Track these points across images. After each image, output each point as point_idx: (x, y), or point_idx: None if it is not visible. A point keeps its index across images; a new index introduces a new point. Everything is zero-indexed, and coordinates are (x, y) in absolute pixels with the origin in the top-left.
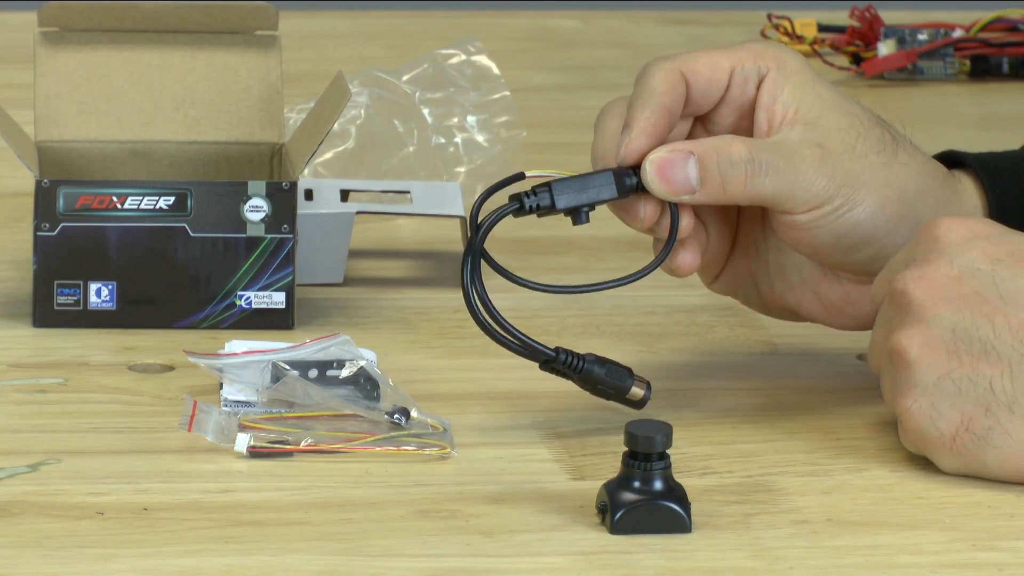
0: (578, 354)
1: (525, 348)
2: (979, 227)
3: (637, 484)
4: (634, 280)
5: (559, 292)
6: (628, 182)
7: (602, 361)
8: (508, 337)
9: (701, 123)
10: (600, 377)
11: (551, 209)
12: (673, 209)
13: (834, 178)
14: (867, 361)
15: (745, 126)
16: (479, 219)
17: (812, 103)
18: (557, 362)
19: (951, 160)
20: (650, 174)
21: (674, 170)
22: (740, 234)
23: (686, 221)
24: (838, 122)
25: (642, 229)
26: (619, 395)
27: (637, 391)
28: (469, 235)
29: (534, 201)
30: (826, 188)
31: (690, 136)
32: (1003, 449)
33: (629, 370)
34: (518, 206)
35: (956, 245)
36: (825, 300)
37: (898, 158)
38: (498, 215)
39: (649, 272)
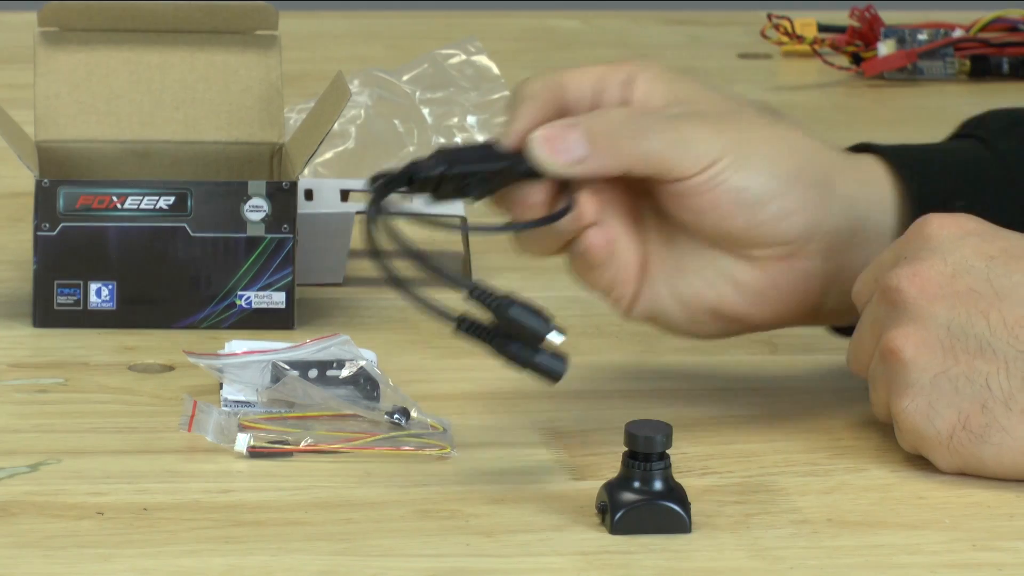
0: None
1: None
2: (970, 224)
3: (637, 484)
4: (531, 227)
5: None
6: (520, 167)
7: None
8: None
9: None
10: (517, 316)
11: (438, 179)
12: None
13: (721, 133)
14: (849, 363)
15: None
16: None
17: (683, 89)
18: (473, 296)
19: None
20: (537, 148)
21: (560, 141)
22: (648, 244)
23: (591, 207)
24: (715, 98)
25: (531, 215)
26: (534, 343)
27: (553, 342)
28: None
29: (424, 166)
30: (714, 143)
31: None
32: (1000, 446)
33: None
34: (408, 170)
35: (948, 242)
36: (746, 289)
37: (782, 121)
38: (388, 180)
39: (545, 223)
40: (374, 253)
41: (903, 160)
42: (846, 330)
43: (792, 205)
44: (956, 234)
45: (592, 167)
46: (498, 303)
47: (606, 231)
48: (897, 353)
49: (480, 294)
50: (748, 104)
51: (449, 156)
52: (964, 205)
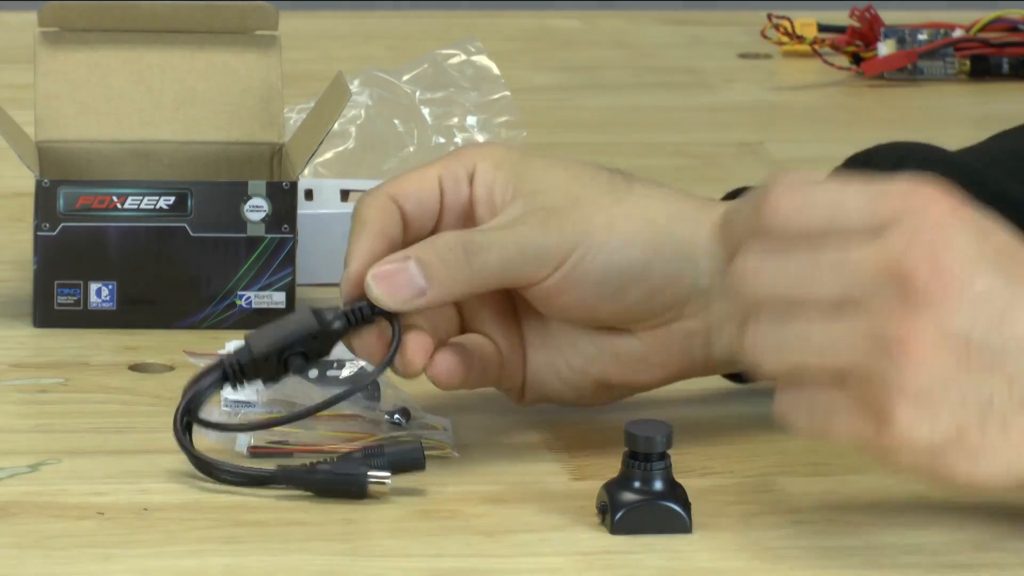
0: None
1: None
2: (960, 207)
3: (637, 484)
4: (352, 393)
5: (259, 428)
6: (346, 318)
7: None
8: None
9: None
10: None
11: (255, 366)
12: (395, 322)
13: (564, 231)
14: (753, 353)
15: (470, 227)
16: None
17: (526, 175)
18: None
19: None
20: (374, 288)
21: (397, 277)
22: (524, 332)
23: (416, 346)
24: (558, 180)
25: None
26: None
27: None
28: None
29: (233, 359)
30: (559, 242)
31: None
32: (980, 464)
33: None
34: (220, 372)
35: (950, 227)
36: (629, 359)
37: (635, 191)
38: (200, 387)
39: (369, 381)
40: (197, 461)
41: None
42: (736, 377)
43: (657, 281)
44: (957, 219)
45: (434, 297)
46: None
47: (446, 358)
48: (908, 353)
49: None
50: (597, 176)
51: (254, 339)
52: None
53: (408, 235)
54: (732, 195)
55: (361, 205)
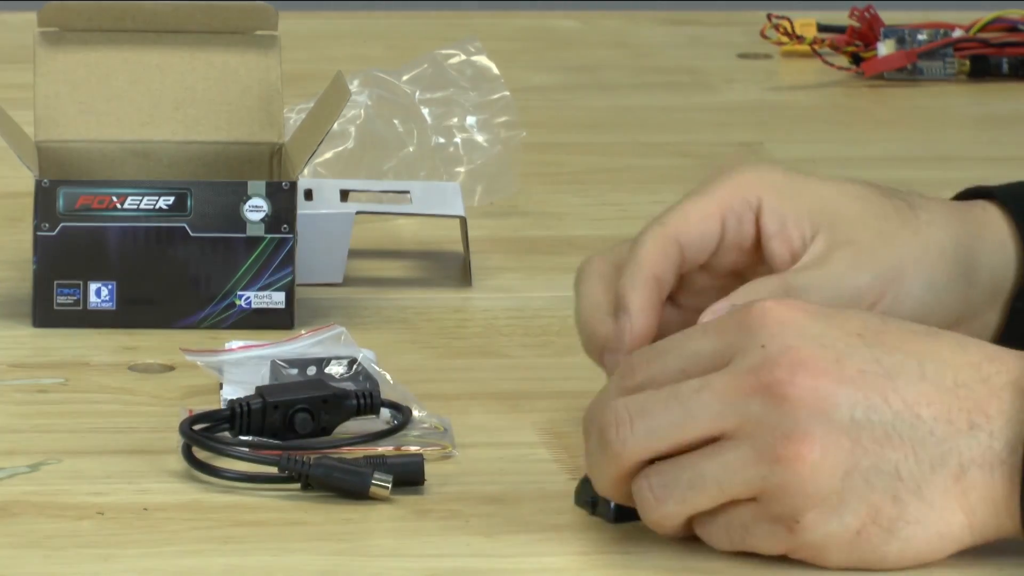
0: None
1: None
2: (799, 304)
3: None
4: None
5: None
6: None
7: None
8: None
9: (700, 268)
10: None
11: (263, 414)
12: None
13: (876, 271)
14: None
15: (746, 260)
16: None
17: (820, 206)
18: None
19: (975, 194)
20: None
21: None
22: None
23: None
24: (852, 211)
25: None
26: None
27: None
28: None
29: (244, 402)
30: (872, 283)
31: (684, 282)
32: (908, 540)
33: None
34: (228, 412)
35: (799, 325)
36: None
37: (921, 219)
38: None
39: None
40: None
41: (1019, 203)
42: None
43: (954, 307)
44: (799, 316)
45: None
46: (308, 470)
47: None
48: (802, 460)
49: (291, 463)
50: (884, 202)
51: (267, 390)
52: None
53: (681, 270)
54: (970, 194)
55: (643, 247)
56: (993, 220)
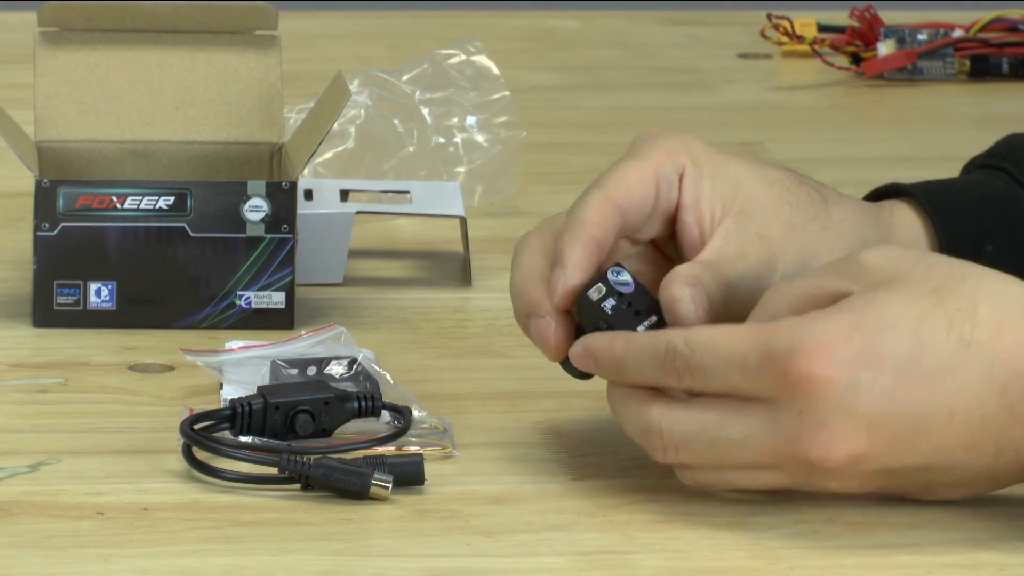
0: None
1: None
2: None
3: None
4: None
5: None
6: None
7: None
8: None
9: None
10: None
11: (264, 415)
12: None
13: (785, 265)
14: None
15: (665, 231)
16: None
17: (735, 190)
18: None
19: (891, 191)
20: (689, 303)
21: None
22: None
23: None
24: (765, 198)
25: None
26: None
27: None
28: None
29: (246, 402)
30: (775, 278)
31: (613, 250)
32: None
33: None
34: (230, 413)
35: (832, 396)
36: None
37: (833, 217)
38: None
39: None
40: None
41: (935, 203)
42: None
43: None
44: (835, 376)
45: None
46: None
47: None
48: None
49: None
50: (797, 192)
51: (269, 390)
52: (993, 251)
53: (618, 235)
54: (878, 195)
55: (583, 209)
56: (904, 221)
